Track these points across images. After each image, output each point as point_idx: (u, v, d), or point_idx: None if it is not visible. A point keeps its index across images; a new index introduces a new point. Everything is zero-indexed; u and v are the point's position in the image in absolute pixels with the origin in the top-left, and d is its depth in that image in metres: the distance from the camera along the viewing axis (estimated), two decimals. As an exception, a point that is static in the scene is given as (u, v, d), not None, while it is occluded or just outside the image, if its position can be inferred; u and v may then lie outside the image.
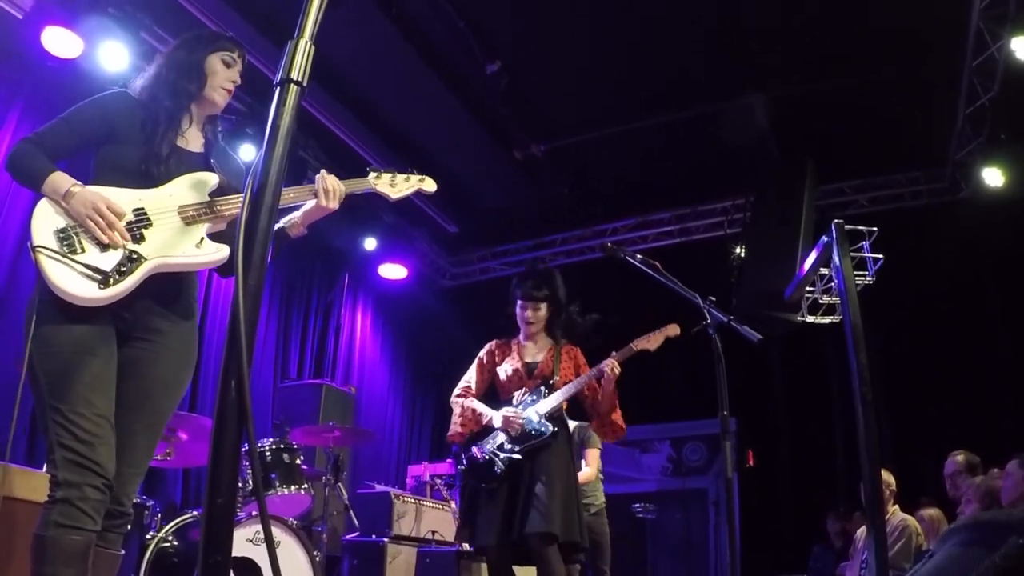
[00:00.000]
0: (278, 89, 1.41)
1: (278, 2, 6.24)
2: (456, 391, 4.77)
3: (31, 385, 2.53)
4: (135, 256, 2.56)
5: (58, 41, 5.95)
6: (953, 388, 8.56)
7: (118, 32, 6.06)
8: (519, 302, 4.73)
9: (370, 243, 9.35)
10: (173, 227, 2.65)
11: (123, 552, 2.72)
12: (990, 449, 6.00)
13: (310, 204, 2.87)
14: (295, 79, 1.41)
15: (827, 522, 8.86)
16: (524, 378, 4.60)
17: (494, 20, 6.96)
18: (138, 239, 2.59)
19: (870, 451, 2.25)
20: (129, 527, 2.67)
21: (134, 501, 2.67)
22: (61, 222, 2.53)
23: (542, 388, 4.50)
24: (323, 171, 2.87)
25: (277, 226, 2.93)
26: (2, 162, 2.76)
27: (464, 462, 4.51)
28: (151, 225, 2.63)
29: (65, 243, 2.50)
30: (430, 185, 3.16)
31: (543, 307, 4.70)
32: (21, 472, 3.33)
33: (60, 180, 2.56)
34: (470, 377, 4.78)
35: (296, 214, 2.93)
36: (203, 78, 2.87)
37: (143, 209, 2.64)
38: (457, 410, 4.68)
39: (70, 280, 2.46)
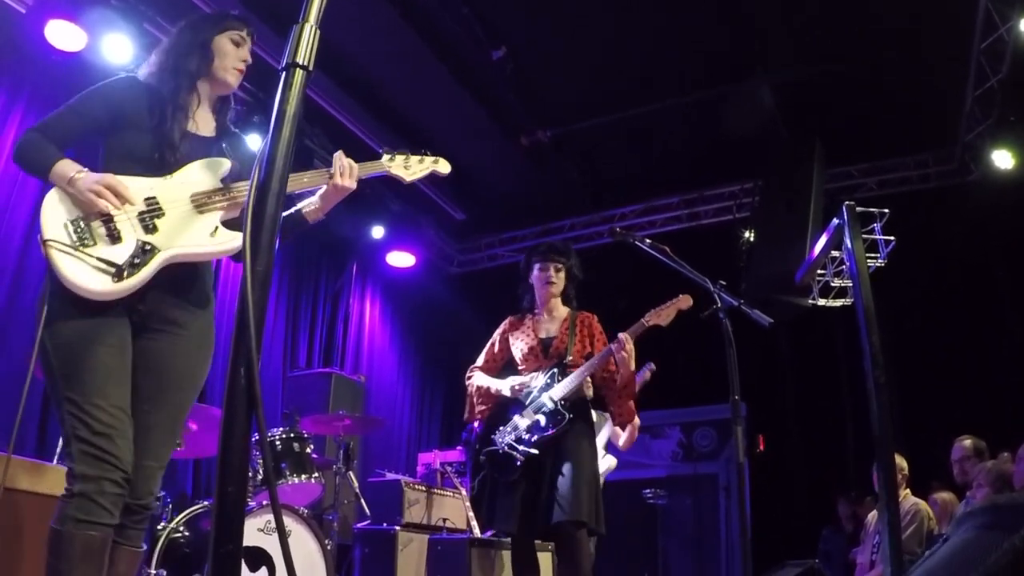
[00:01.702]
0: (284, 74, 1.39)
1: (282, -10, 6.23)
2: (468, 372, 4.70)
3: (45, 379, 2.48)
4: (148, 247, 2.49)
5: (61, 34, 5.94)
6: (962, 371, 8.52)
7: (121, 24, 6.05)
8: (537, 265, 4.61)
9: (378, 231, 9.35)
10: (186, 216, 2.59)
11: (144, 548, 2.68)
12: (999, 432, 5.98)
13: (325, 187, 2.82)
14: (301, 63, 1.39)
15: (838, 506, 8.85)
16: (540, 356, 4.47)
17: (499, 6, 6.93)
18: (151, 229, 2.52)
19: (884, 435, 2.23)
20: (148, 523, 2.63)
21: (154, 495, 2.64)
22: (71, 214, 2.47)
23: (555, 370, 4.38)
24: (339, 152, 2.83)
25: (294, 209, 2.89)
26: (10, 154, 2.71)
27: (481, 453, 4.42)
28: (164, 215, 2.56)
29: (76, 235, 2.44)
30: (444, 167, 3.11)
31: (563, 270, 4.59)
32: (23, 463, 3.32)
33: (66, 167, 2.49)
34: (480, 356, 4.72)
35: (313, 198, 2.87)
36: (209, 58, 2.80)
37: (155, 198, 2.57)
38: (471, 390, 4.61)
39: (83, 274, 2.39)
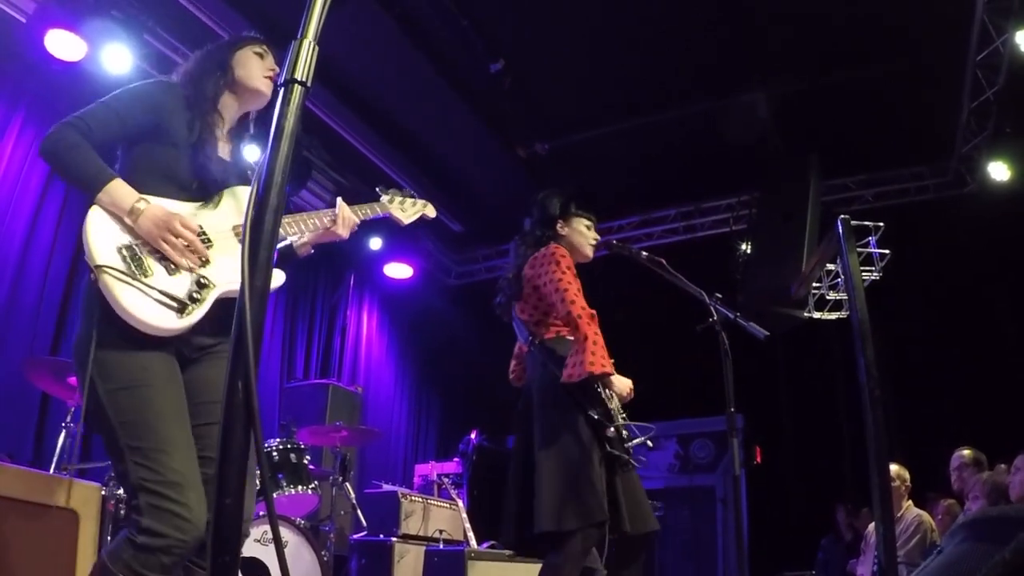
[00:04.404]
0: (282, 90, 1.41)
1: (281, 4, 6.24)
2: (581, 303, 3.50)
3: (97, 425, 2.25)
4: (204, 281, 2.34)
5: (61, 44, 5.94)
6: (961, 382, 8.52)
7: (121, 35, 6.06)
8: (587, 222, 3.95)
9: (375, 242, 9.35)
10: (233, 249, 2.44)
11: None
12: (999, 444, 5.98)
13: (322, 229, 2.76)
14: (299, 80, 1.41)
15: (836, 514, 8.84)
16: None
17: (497, 19, 6.96)
18: (204, 262, 2.37)
19: (877, 448, 2.24)
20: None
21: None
22: (124, 238, 2.26)
23: None
24: (340, 199, 2.84)
25: (284, 243, 2.76)
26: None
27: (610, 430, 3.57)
28: (212, 246, 2.40)
29: (134, 264, 2.23)
30: (431, 211, 3.29)
31: None
32: (17, 472, 3.28)
33: (122, 193, 2.28)
34: (576, 295, 3.53)
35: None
36: (231, 75, 2.65)
37: (201, 227, 2.41)
38: (592, 336, 3.41)
39: (146, 308, 2.20)
